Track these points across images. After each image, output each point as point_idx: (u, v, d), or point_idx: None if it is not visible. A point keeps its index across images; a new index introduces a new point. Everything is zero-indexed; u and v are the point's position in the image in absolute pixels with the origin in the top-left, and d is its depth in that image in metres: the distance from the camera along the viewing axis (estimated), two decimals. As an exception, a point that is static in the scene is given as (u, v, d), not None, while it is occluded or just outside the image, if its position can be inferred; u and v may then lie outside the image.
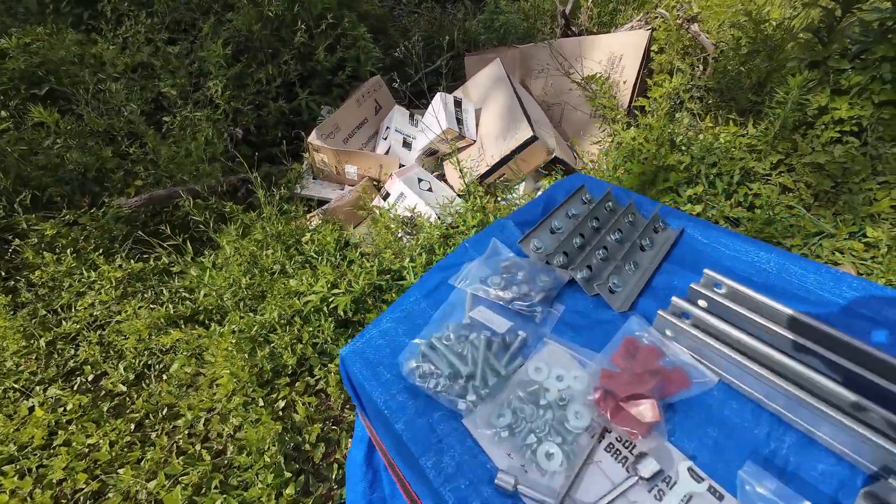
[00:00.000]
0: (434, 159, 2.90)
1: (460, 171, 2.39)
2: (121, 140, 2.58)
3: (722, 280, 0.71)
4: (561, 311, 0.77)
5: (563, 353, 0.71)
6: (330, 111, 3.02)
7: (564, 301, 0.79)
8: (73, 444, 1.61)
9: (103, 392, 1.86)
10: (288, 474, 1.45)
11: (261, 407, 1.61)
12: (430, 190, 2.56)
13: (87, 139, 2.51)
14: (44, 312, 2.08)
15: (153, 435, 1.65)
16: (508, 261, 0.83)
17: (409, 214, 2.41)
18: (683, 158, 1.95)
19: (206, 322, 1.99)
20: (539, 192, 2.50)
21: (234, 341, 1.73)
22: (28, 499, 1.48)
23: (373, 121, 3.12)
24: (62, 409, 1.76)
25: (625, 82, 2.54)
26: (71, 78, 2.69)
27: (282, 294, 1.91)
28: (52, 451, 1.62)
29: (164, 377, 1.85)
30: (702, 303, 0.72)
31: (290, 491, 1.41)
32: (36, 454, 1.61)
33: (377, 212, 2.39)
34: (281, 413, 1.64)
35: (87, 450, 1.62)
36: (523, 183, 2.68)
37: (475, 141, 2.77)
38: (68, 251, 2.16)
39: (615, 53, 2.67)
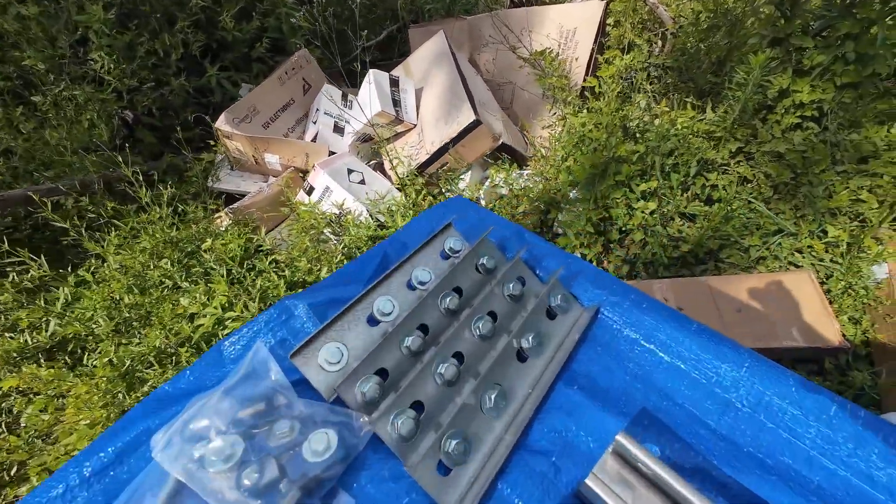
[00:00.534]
0: (370, 146, 2.58)
1: (390, 161, 2.08)
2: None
3: (643, 459, 0.38)
4: None
5: None
6: (251, 90, 2.61)
7: (357, 486, 0.44)
8: None
9: (-57, 446, 1.49)
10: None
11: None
12: (362, 182, 2.25)
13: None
14: None
15: (-6, 504, 1.32)
16: (261, 401, 0.46)
17: (336, 212, 2.10)
18: (637, 148, 1.73)
19: (79, 351, 1.64)
20: (482, 190, 2.24)
21: (99, 381, 1.39)
22: None
23: (301, 102, 2.73)
24: None
25: (577, 59, 2.29)
26: None
27: (170, 316, 1.58)
28: None
29: (20, 425, 1.50)
30: (622, 491, 0.39)
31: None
32: None
33: (297, 210, 2.06)
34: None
35: None
36: (469, 173, 2.41)
37: (415, 125, 2.45)
38: None
39: (567, 27, 2.40)
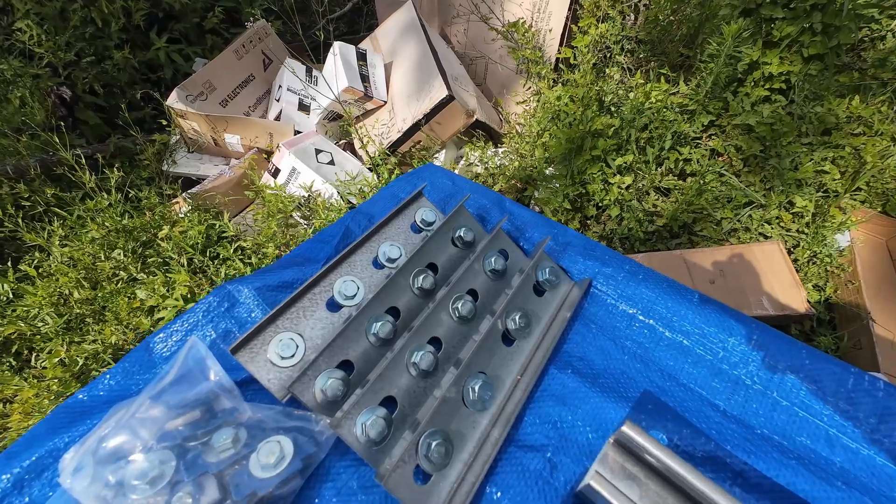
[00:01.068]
0: (339, 124, 2.45)
1: (361, 139, 1.99)
2: None
3: (653, 451, 0.33)
4: None
5: None
6: (206, 65, 2.41)
7: (326, 493, 0.37)
8: None
9: None
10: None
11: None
12: (331, 163, 2.14)
13: None
14: None
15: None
16: (200, 405, 0.38)
17: (304, 195, 1.99)
18: (613, 122, 1.71)
19: (26, 352, 1.51)
20: (456, 169, 2.17)
21: (50, 382, 1.28)
22: None
23: (262, 78, 2.55)
24: None
25: (550, 30, 2.22)
26: None
27: (126, 310, 1.47)
28: None
29: (-36, 434, 1.37)
30: (628, 489, 0.35)
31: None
32: None
33: (263, 194, 1.94)
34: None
35: None
36: (444, 151, 2.34)
37: (385, 102, 2.34)
38: None
39: (540, -4, 2.31)
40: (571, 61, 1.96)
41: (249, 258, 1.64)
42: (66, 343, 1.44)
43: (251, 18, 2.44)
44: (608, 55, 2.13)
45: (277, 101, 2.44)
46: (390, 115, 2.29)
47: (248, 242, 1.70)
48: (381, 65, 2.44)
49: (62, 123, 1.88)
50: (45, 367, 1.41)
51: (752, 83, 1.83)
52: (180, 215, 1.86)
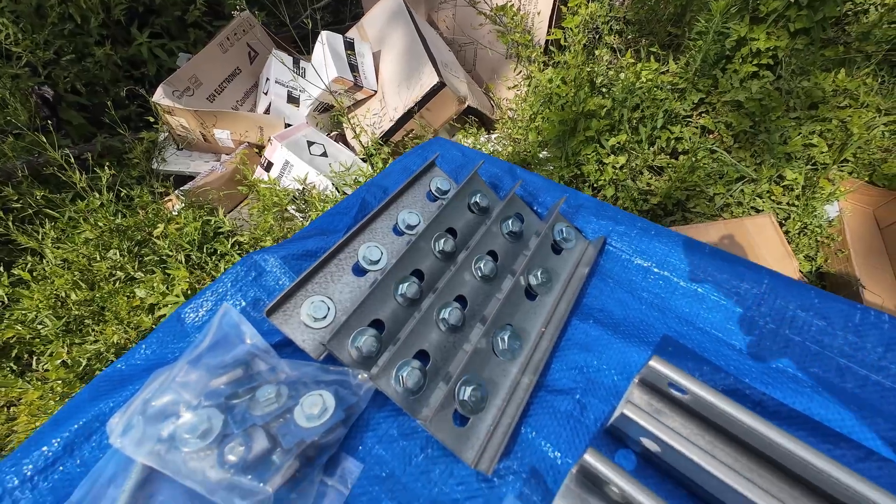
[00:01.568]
0: (330, 116, 2.43)
1: (353, 130, 1.97)
2: None
3: (682, 383, 0.35)
4: (351, 485, 0.37)
5: None
6: (190, 59, 2.36)
7: (363, 449, 0.40)
8: None
9: None
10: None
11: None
12: (324, 154, 2.12)
13: None
14: None
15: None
16: (238, 367, 0.40)
17: (299, 187, 1.98)
18: (605, 102, 1.72)
19: (26, 356, 1.50)
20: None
21: (54, 384, 1.28)
22: None
23: (248, 71, 2.51)
24: None
25: (539, 13, 2.21)
26: None
27: (126, 309, 1.46)
28: None
29: (-32, 440, 1.37)
30: (649, 444, 0.37)
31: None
32: None
33: (257, 188, 1.92)
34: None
35: None
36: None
37: (375, 91, 2.32)
38: None
39: (527, -21, 2.30)
40: (562, 42, 1.96)
41: (247, 252, 1.63)
42: (66, 345, 1.43)
43: (236, 8, 2.39)
44: (597, 37, 2.13)
45: (265, 94, 2.41)
46: (381, 105, 2.28)
47: (246, 237, 1.69)
48: (370, 54, 2.42)
49: (49, 123, 1.84)
50: (47, 370, 1.40)
51: (741, 59, 1.85)
52: (174, 213, 1.84)
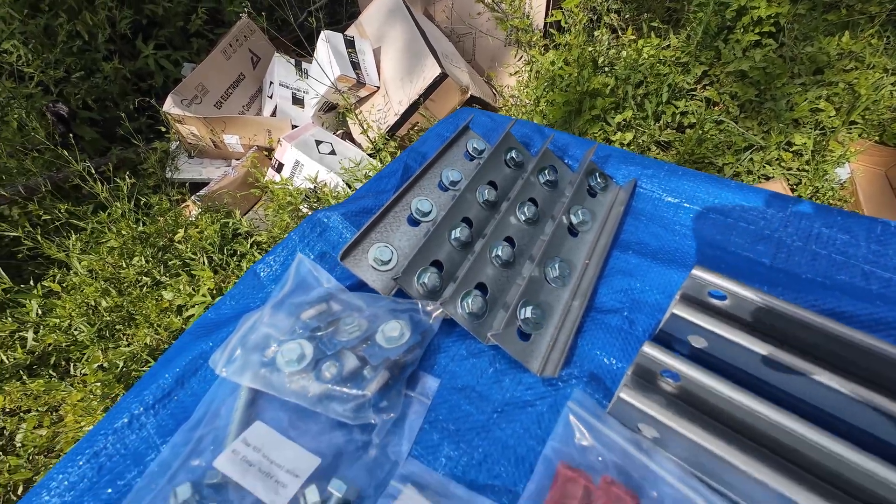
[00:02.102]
0: (335, 115, 2.46)
1: (361, 125, 2.00)
2: None
3: (723, 285, 0.38)
4: (432, 396, 0.43)
5: None
6: (195, 69, 2.41)
7: (438, 367, 0.45)
8: None
9: (-67, 481, 1.41)
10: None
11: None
12: (332, 153, 2.16)
13: None
14: None
15: (6, 527, 1.27)
16: (322, 302, 0.46)
17: (310, 186, 2.02)
18: (608, 81, 1.73)
19: (64, 364, 1.56)
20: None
21: (94, 386, 1.33)
22: None
23: (252, 76, 2.55)
24: None
25: (536, -2, 2.22)
26: None
27: (155, 312, 1.51)
28: None
29: (17, 446, 1.43)
30: (697, 340, 0.40)
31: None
32: None
33: (271, 189, 1.97)
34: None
35: None
36: (441, 131, 2.36)
37: (378, 87, 2.35)
38: None
39: (522, -36, 2.30)
40: (563, 24, 1.97)
41: (267, 251, 1.67)
42: (101, 349, 1.48)
43: (240, 14, 2.42)
44: (595, 17, 2.13)
45: (270, 97, 2.44)
46: (385, 100, 2.30)
47: (264, 236, 1.73)
48: (370, 50, 2.44)
49: (69, 137, 1.90)
50: (85, 374, 1.46)
51: (742, 29, 1.85)
52: (191, 218, 1.89)
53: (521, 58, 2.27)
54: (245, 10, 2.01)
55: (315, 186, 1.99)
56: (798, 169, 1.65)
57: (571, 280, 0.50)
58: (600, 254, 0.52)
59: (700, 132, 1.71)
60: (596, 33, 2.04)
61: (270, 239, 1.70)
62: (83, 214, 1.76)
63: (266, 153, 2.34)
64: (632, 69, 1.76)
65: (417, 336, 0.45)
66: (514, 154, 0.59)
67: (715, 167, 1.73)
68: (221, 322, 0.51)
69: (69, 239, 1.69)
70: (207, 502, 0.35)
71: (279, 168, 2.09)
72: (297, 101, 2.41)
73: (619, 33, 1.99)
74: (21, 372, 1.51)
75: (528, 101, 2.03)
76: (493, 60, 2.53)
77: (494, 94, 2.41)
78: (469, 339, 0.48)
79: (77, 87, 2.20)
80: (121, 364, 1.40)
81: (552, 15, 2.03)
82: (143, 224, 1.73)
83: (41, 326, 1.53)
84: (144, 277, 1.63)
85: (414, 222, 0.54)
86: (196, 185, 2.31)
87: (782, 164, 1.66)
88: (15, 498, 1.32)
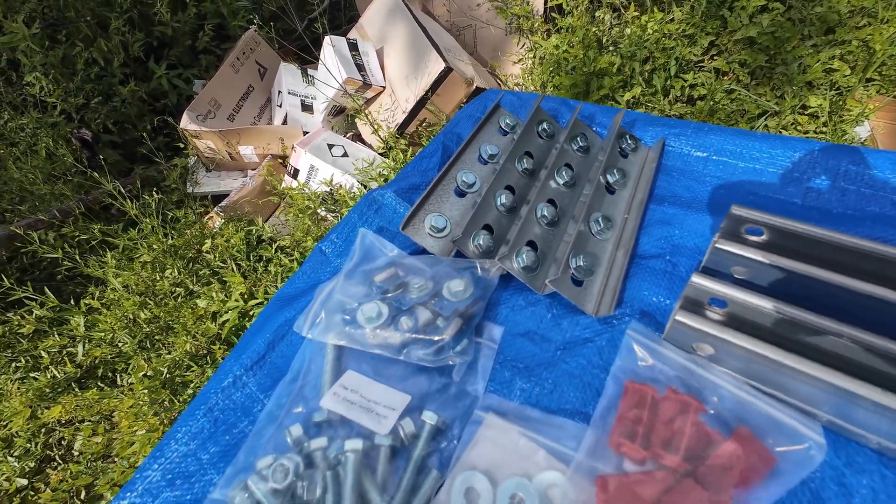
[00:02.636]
0: (344, 118, 2.50)
1: (372, 125, 2.04)
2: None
3: (760, 219, 0.42)
4: (498, 341, 0.47)
5: (516, 440, 0.39)
6: (205, 84, 2.48)
7: (500, 317, 0.50)
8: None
9: (1, 493, 1.50)
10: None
11: (198, 460, 1.34)
12: (345, 155, 2.20)
13: None
14: None
15: (74, 529, 1.35)
16: (389, 267, 0.51)
17: (326, 189, 2.06)
18: (614, 59, 1.73)
19: (111, 375, 1.63)
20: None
21: (144, 391, 1.40)
22: None
23: (260, 87, 2.61)
24: (-54, 531, 1.40)
25: (535, -16, 2.21)
26: None
27: (191, 320, 1.57)
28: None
29: (75, 454, 1.51)
30: (738, 271, 0.44)
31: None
32: None
33: (289, 195, 2.02)
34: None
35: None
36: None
37: (384, 87, 2.38)
38: None
39: (518, -48, 2.30)
40: (564, 6, 1.97)
41: (291, 254, 1.72)
42: (144, 359, 1.55)
43: (252, 25, 2.48)
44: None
45: (279, 106, 2.50)
46: (392, 99, 2.34)
47: (287, 241, 1.78)
48: (373, 52, 2.47)
49: (99, 159, 1.98)
50: (131, 383, 1.53)
51: (747, -5, 1.82)
52: (216, 229, 1.96)
53: (523, 45, 2.28)
54: (254, 21, 2.06)
55: (331, 189, 2.04)
56: (815, 131, 1.63)
57: (613, 232, 0.54)
58: (637, 207, 0.56)
59: (711, 103, 1.70)
60: (598, 13, 2.03)
61: (294, 243, 1.75)
62: (115, 233, 1.84)
63: (280, 161, 2.39)
64: (637, 46, 1.75)
65: (480, 290, 0.49)
66: (545, 126, 0.64)
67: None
68: (296, 295, 0.56)
69: (104, 257, 1.77)
70: (317, 437, 0.39)
71: (295, 174, 2.15)
72: (306, 107, 2.46)
73: (622, 11, 1.98)
74: (73, 385, 1.59)
75: (533, 88, 2.04)
76: (495, 51, 2.54)
77: (499, 84, 2.42)
78: (525, 290, 0.53)
79: (97, 112, 2.28)
80: (164, 371, 1.47)
81: (552, -1, 2.03)
82: (172, 238, 1.80)
83: (87, 341, 1.61)
84: (178, 288, 1.70)
85: (460, 194, 0.58)
86: (217, 198, 2.38)
87: (798, 127, 1.64)
88: (79, 501, 1.40)
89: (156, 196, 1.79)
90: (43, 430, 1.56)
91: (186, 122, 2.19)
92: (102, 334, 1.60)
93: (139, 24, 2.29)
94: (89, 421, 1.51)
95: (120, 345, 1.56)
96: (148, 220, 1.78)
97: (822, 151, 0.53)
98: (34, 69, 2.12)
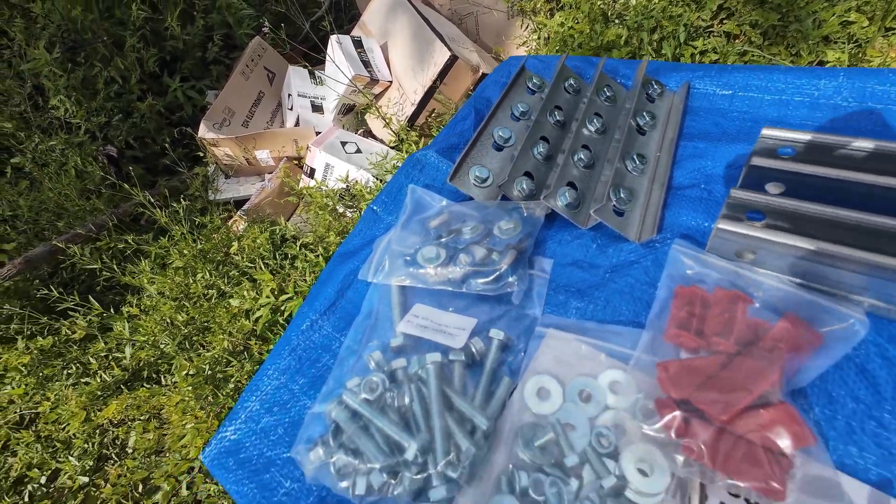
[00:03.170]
0: (354, 115, 2.54)
1: (384, 118, 2.07)
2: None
3: (791, 137, 0.44)
4: (549, 271, 0.52)
5: (578, 347, 0.43)
6: (217, 95, 2.55)
7: (548, 252, 0.54)
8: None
9: (65, 491, 1.60)
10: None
11: (245, 449, 1.40)
12: (358, 151, 2.24)
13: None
14: (-44, 429, 1.73)
15: (135, 519, 1.43)
16: (442, 214, 0.55)
17: (343, 186, 2.11)
18: (621, 32, 1.71)
19: (154, 376, 1.72)
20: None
21: (189, 388, 1.47)
22: None
23: (271, 92, 2.67)
24: (20, 527, 1.50)
25: (534, -36, 2.20)
26: None
27: (226, 319, 1.64)
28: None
29: (129, 451, 1.60)
30: (773, 188, 0.46)
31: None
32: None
33: (308, 194, 2.07)
34: (270, 447, 1.45)
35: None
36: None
37: (391, 82, 2.41)
38: (-46, 352, 1.77)
39: (515, -67, 2.29)
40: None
41: (315, 249, 1.77)
42: (186, 359, 1.62)
43: (261, 31, 2.53)
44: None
45: (290, 109, 2.55)
46: (399, 92, 2.36)
47: (310, 237, 1.83)
48: (378, 47, 2.50)
49: (127, 173, 2.06)
50: (175, 382, 1.60)
51: (754, -47, 1.78)
52: (240, 232, 2.02)
53: (527, 27, 2.27)
54: (264, 24, 2.10)
55: (347, 185, 2.08)
56: (834, 87, 1.59)
57: (648, 168, 0.57)
58: (669, 145, 0.58)
59: (724, 67, 1.68)
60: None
61: (317, 239, 1.80)
62: (146, 242, 1.92)
63: (295, 162, 2.45)
64: (643, 16, 1.74)
65: (528, 227, 0.53)
66: (571, 81, 0.68)
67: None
68: (353, 251, 0.62)
69: (138, 266, 1.85)
70: (396, 358, 0.44)
71: (311, 173, 2.20)
72: (317, 108, 2.51)
73: (625, -17, 1.96)
74: (122, 387, 1.68)
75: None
76: (498, 36, 2.53)
77: (505, 69, 2.42)
78: (569, 227, 0.56)
79: (118, 129, 2.37)
80: (206, 368, 1.54)
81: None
82: (200, 243, 1.87)
83: (132, 344, 1.69)
84: (210, 290, 1.77)
85: (498, 148, 0.63)
86: (238, 203, 2.45)
87: (816, 84, 1.60)
88: (137, 494, 1.48)
89: (183, 202, 1.86)
90: (97, 430, 1.65)
91: (204, 131, 2.26)
92: (144, 338, 1.68)
93: (151, 40, 2.37)
94: (139, 420, 1.60)
95: (162, 346, 1.64)
96: (177, 227, 1.85)
97: (847, 76, 0.54)
98: (58, 92, 2.21)
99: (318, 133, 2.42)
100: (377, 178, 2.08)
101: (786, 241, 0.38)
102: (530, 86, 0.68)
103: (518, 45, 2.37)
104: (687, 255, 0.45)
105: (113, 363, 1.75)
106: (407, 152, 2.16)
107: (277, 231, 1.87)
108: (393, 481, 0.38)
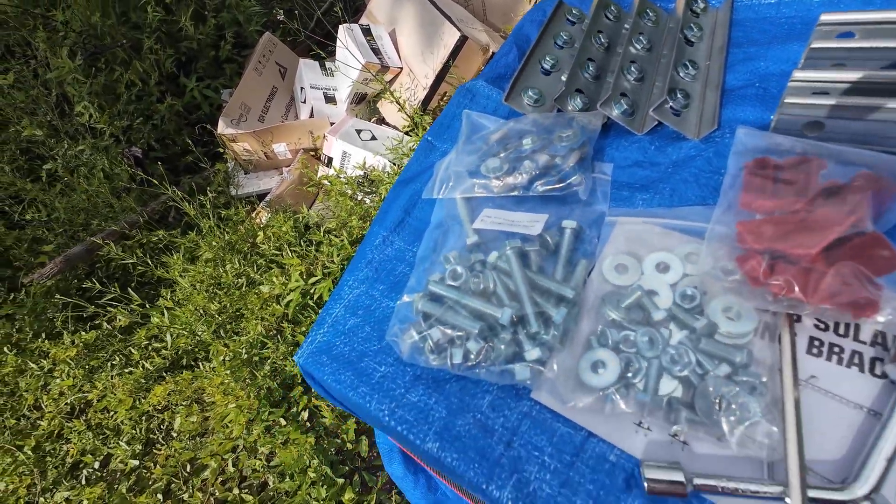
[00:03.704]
0: (366, 104, 2.56)
1: (398, 102, 2.09)
2: (9, 210, 2.17)
3: (853, 18, 0.43)
4: (610, 173, 0.53)
5: (650, 228, 0.45)
6: (233, 93, 2.60)
7: (606, 158, 0.56)
8: (106, 538, 1.46)
9: (118, 474, 1.69)
10: (340, 480, 1.33)
11: (285, 426, 1.46)
12: (373, 139, 2.27)
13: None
14: (13, 421, 1.84)
15: (185, 496, 1.50)
16: (501, 130, 0.57)
17: (361, 172, 2.14)
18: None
19: (192, 364, 1.79)
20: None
21: (227, 373, 1.53)
22: None
23: (283, 87, 2.71)
24: (80, 508, 1.59)
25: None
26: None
27: (258, 305, 1.69)
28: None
29: (174, 434, 1.68)
30: (836, 74, 0.44)
31: (348, 496, 1.30)
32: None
33: (327, 182, 2.11)
34: (308, 424, 1.50)
35: (123, 538, 1.47)
36: (469, 95, 2.39)
37: (401, 67, 2.42)
38: (5, 349, 1.87)
39: None
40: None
41: (339, 234, 1.81)
42: (222, 345, 1.68)
43: (256, 36, 2.57)
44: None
45: (304, 101, 2.59)
46: (411, 78, 2.37)
47: (333, 223, 1.87)
48: (385, 34, 2.51)
49: (156, 170, 2.13)
50: (213, 368, 1.67)
51: None
52: (263, 222, 2.08)
53: (534, 1, 2.25)
54: (279, 16, 2.14)
55: (365, 172, 2.11)
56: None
57: (700, 74, 0.58)
58: (718, 52, 0.59)
59: None
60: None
61: (340, 224, 1.84)
62: (176, 236, 1.99)
63: (312, 153, 2.49)
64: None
65: (586, 135, 0.55)
66: (612, 8, 0.70)
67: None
68: (413, 177, 0.66)
69: (171, 259, 1.92)
70: (473, 254, 0.46)
71: (329, 162, 2.23)
72: (329, 99, 2.54)
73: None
74: (164, 374, 1.75)
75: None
76: (505, 14, 2.52)
77: (514, 47, 2.41)
78: (625, 134, 0.58)
79: (140, 131, 2.44)
80: (242, 352, 1.59)
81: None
82: (227, 234, 1.92)
83: (170, 334, 1.76)
84: (240, 279, 1.83)
85: (546, 73, 0.66)
86: (259, 197, 2.51)
87: None
88: (185, 474, 1.56)
89: (210, 195, 1.92)
90: (144, 416, 1.73)
91: (223, 128, 2.31)
92: (181, 328, 1.75)
93: (167, 42, 2.42)
94: (182, 405, 1.67)
95: (199, 334, 1.70)
96: (205, 221, 1.91)
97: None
98: (81, 99, 2.28)
99: (332, 123, 2.45)
100: (393, 163, 2.11)
101: (856, 103, 0.40)
102: (570, 17, 0.70)
103: (527, 22, 2.35)
104: (754, 136, 0.45)
105: (153, 353, 1.82)
106: (419, 136, 2.17)
107: (301, 219, 1.92)
108: (487, 347, 0.41)
